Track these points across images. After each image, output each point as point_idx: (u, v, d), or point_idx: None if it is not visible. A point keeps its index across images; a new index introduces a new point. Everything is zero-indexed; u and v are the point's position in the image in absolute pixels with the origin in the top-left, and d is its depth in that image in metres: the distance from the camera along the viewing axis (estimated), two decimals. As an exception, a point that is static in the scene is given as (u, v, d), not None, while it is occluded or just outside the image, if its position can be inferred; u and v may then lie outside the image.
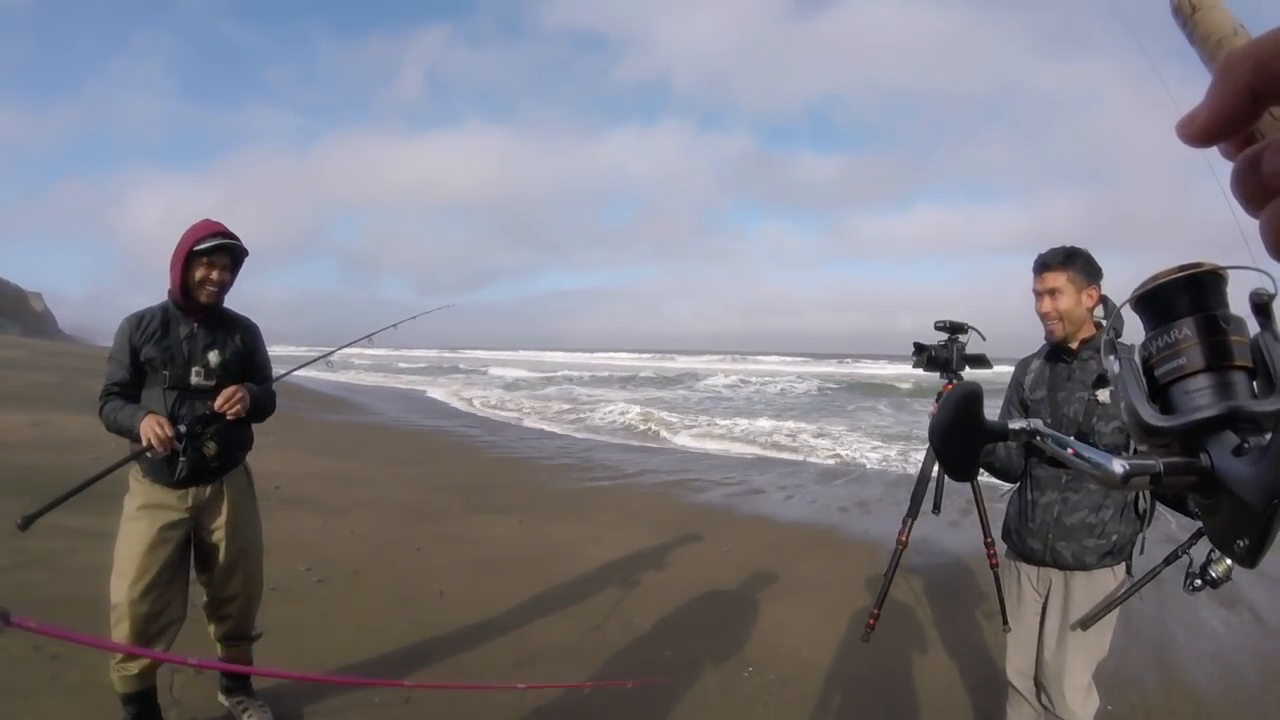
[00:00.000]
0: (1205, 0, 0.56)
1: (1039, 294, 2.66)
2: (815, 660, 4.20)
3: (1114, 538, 2.60)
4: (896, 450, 12.92)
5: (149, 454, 2.87)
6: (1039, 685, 2.74)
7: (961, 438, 0.74)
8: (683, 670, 4.01)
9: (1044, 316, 2.66)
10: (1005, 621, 2.79)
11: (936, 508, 2.97)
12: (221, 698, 3.28)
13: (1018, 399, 2.84)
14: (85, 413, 11.06)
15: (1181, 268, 0.58)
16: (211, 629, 3.24)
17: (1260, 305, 0.55)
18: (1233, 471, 0.51)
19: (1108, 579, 2.64)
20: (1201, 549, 2.37)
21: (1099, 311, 2.68)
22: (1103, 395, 2.58)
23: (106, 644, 2.88)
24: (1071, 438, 0.67)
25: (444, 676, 3.77)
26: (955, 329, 2.94)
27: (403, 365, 44.48)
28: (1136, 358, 0.61)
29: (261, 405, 3.15)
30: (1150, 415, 0.57)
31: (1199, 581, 2.31)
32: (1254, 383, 0.55)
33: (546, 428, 15.94)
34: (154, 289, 3.07)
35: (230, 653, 3.26)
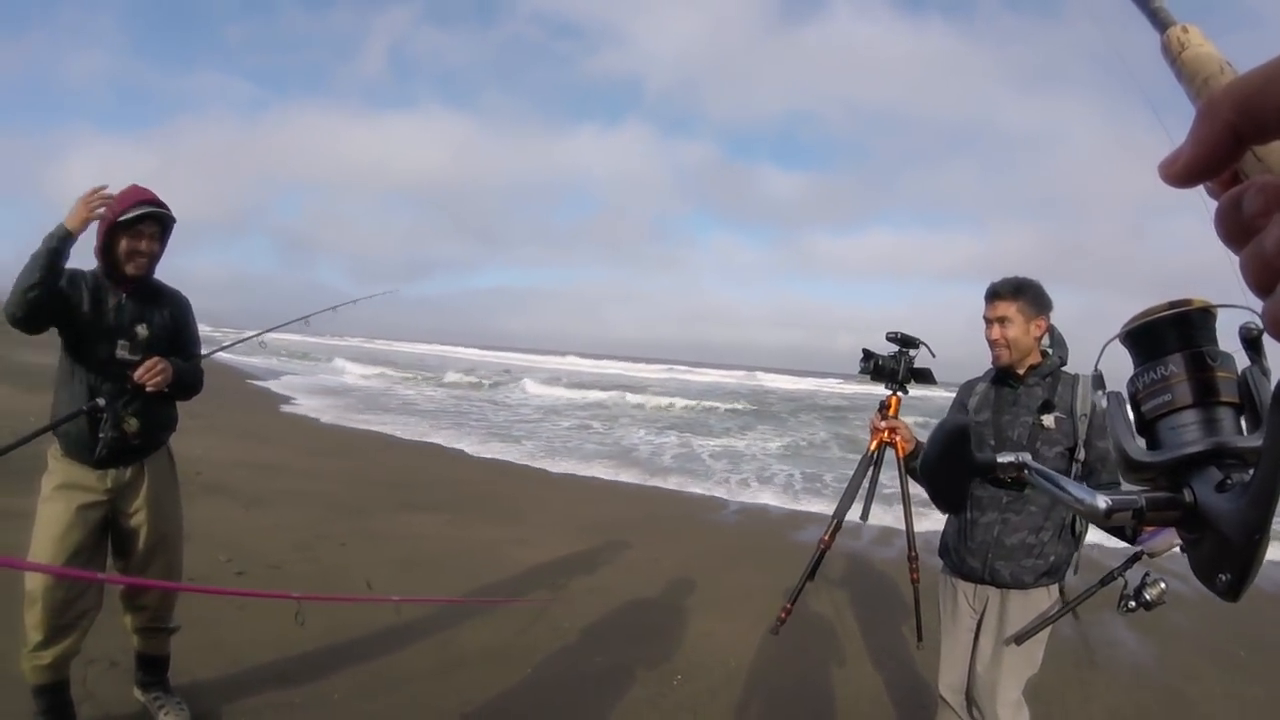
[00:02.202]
0: (1193, 39, 0.57)
1: (989, 321, 2.74)
2: (743, 670, 4.25)
3: (1051, 558, 2.67)
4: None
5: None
6: (970, 700, 2.82)
7: (951, 472, 0.76)
8: (611, 675, 4.03)
9: (992, 343, 2.74)
10: (920, 636, 2.85)
11: (864, 515, 3.00)
12: (137, 693, 3.16)
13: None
14: (5, 382, 10.65)
15: (1171, 304, 0.59)
16: (128, 619, 3.11)
17: (1250, 340, 0.56)
18: (1215, 507, 0.51)
19: (1043, 597, 2.72)
20: (1137, 572, 2.47)
21: (1045, 340, 2.77)
22: (1047, 420, 2.66)
23: None
24: (1057, 473, 0.68)
25: (367, 680, 3.70)
26: (906, 342, 2.97)
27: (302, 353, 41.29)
28: (1125, 393, 0.61)
29: (186, 382, 3.04)
30: (1135, 450, 0.58)
31: (1133, 603, 2.42)
32: (1241, 419, 0.55)
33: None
34: (87, 252, 2.91)
35: (147, 645, 3.14)
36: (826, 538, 2.90)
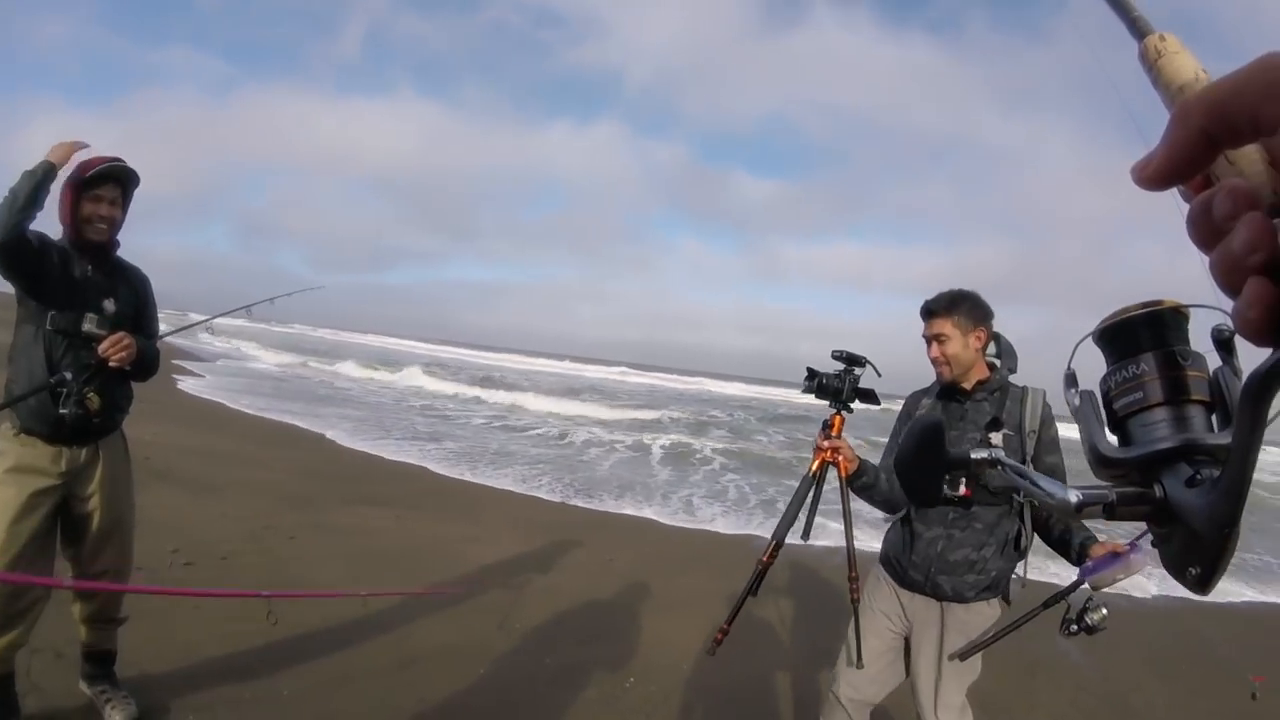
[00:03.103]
0: (1169, 46, 0.58)
1: (927, 340, 2.75)
2: (695, 675, 4.29)
3: (993, 573, 2.69)
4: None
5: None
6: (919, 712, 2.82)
7: (925, 466, 0.78)
8: (566, 675, 4.05)
9: (933, 361, 2.76)
10: (859, 657, 2.77)
11: (805, 534, 2.89)
12: (83, 685, 3.09)
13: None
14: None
15: (1144, 304, 0.61)
16: (76, 608, 3.04)
17: (1222, 341, 0.58)
18: (1185, 502, 0.52)
19: (984, 610, 2.74)
20: (1079, 596, 2.53)
21: (992, 350, 2.78)
22: (995, 439, 2.64)
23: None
24: (1029, 469, 0.69)
25: (321, 676, 3.67)
26: (852, 360, 2.92)
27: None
28: (1098, 391, 0.62)
29: (146, 362, 2.99)
30: (1106, 447, 0.59)
31: (1075, 627, 2.47)
32: (1212, 417, 0.57)
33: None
34: (45, 229, 2.84)
35: (95, 637, 3.08)
36: (765, 558, 2.84)
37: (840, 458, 2.81)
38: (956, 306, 2.69)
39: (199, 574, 4.70)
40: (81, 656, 3.12)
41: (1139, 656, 5.37)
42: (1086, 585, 2.40)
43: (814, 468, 2.86)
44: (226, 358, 22.84)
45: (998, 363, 2.79)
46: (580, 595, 5.37)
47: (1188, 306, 0.60)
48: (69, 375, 2.73)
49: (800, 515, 2.86)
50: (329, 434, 11.30)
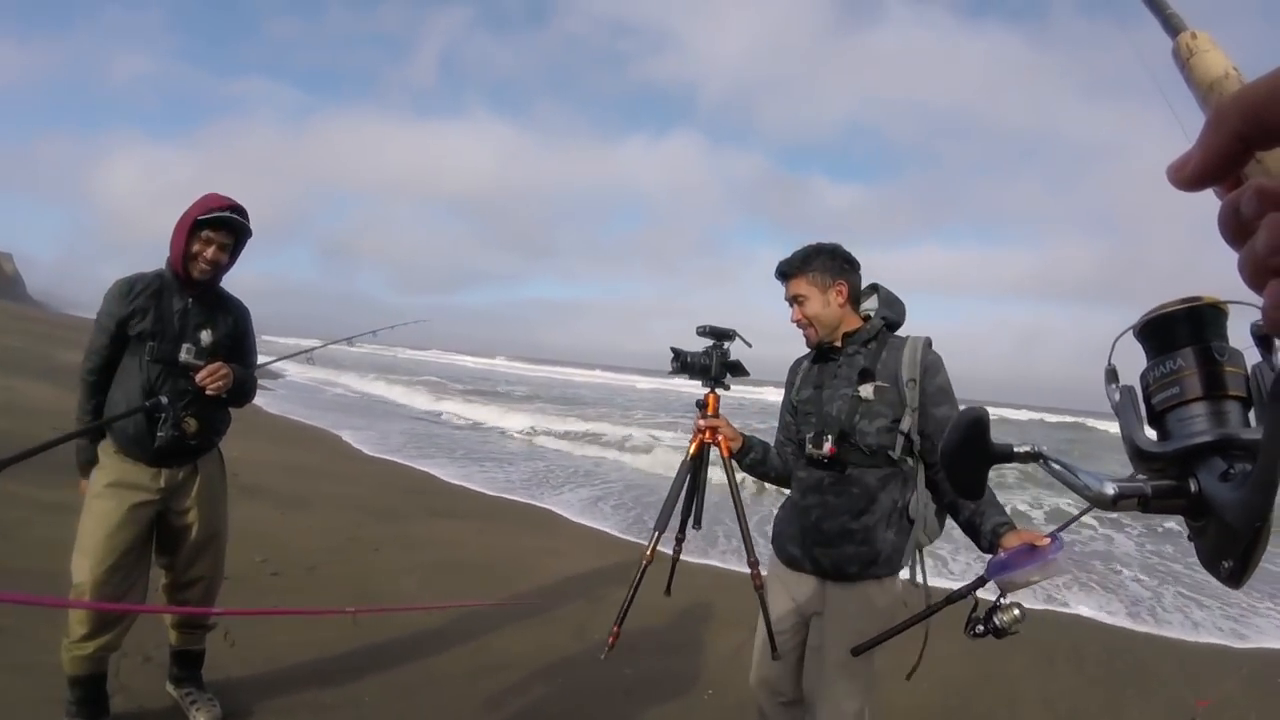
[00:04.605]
0: (1201, 45, 0.60)
1: (789, 303, 2.56)
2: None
3: (878, 546, 2.41)
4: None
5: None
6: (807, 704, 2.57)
7: (969, 460, 0.76)
8: (643, 687, 3.98)
9: (797, 324, 2.57)
10: (774, 648, 2.54)
11: (698, 523, 2.74)
12: (170, 687, 3.16)
13: (789, 402, 2.71)
14: (47, 380, 10.97)
15: (1183, 300, 0.60)
16: (167, 615, 3.12)
17: (1261, 337, 0.57)
18: (1219, 496, 0.53)
19: (874, 592, 2.45)
20: (990, 593, 2.19)
21: (873, 305, 2.57)
22: (865, 391, 2.43)
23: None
24: (1068, 461, 0.68)
25: (401, 683, 3.69)
26: (718, 334, 2.73)
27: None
28: (1138, 386, 0.63)
29: (244, 389, 3.08)
30: (1144, 441, 0.60)
31: (981, 628, 2.16)
32: (1249, 413, 0.57)
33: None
34: (127, 261, 2.96)
35: (184, 640, 3.15)
36: (648, 553, 2.65)
37: (720, 436, 2.65)
38: (809, 263, 2.50)
39: (285, 583, 4.81)
40: (170, 659, 3.20)
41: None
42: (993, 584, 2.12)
43: (692, 450, 2.69)
44: (329, 384, 23.41)
45: (872, 315, 2.56)
46: (658, 607, 5.24)
47: (1227, 303, 0.60)
48: (165, 400, 2.82)
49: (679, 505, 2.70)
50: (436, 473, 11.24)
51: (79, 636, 2.76)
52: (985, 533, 2.25)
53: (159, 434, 2.81)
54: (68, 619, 2.80)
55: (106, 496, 2.82)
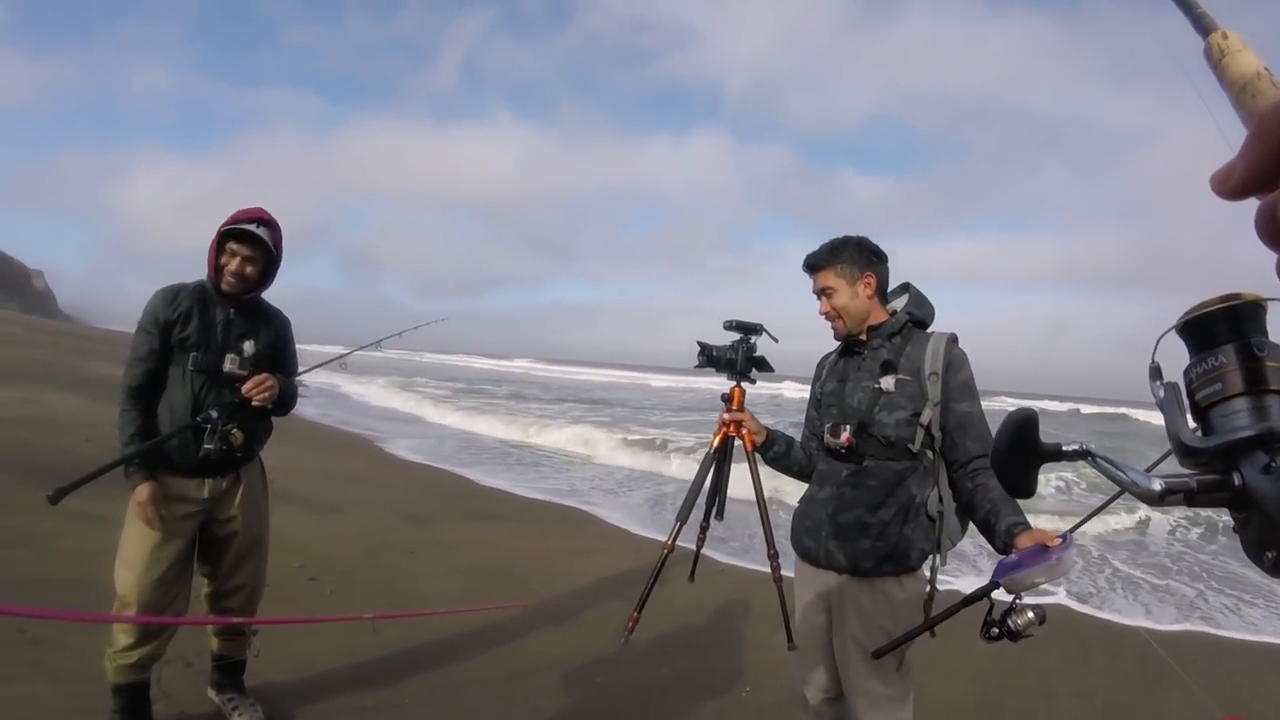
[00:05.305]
0: (1232, 45, 0.61)
1: (817, 296, 2.54)
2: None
3: (894, 541, 2.35)
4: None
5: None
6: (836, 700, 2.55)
7: (1019, 459, 0.76)
8: (680, 686, 3.96)
9: (825, 317, 2.54)
10: (790, 639, 2.57)
11: (720, 514, 2.76)
12: (212, 694, 3.19)
13: (814, 396, 2.70)
14: (77, 393, 11.18)
15: (1223, 298, 0.61)
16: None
17: None
18: (1261, 488, 0.54)
19: (894, 589, 2.38)
20: (1008, 595, 2.09)
21: (903, 302, 2.53)
22: (886, 383, 2.40)
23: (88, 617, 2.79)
24: (1115, 459, 0.68)
25: (439, 686, 3.69)
26: (746, 329, 2.74)
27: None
28: (1181, 383, 0.64)
29: (286, 399, 3.10)
30: (1189, 436, 0.61)
31: (996, 630, 2.07)
32: None
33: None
34: (155, 274, 2.95)
35: (225, 647, 3.18)
36: (669, 542, 2.70)
37: (745, 430, 2.65)
38: (837, 255, 2.47)
39: (322, 588, 4.84)
40: (212, 665, 3.22)
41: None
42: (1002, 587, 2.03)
43: (715, 443, 2.72)
44: (357, 392, 23.57)
45: (898, 309, 2.53)
46: (695, 606, 5.26)
47: (1267, 300, 0.61)
48: (215, 414, 2.83)
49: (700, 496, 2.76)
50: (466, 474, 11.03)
51: (123, 646, 2.78)
52: (1000, 533, 2.19)
53: (206, 446, 2.83)
54: (110, 629, 2.83)
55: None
